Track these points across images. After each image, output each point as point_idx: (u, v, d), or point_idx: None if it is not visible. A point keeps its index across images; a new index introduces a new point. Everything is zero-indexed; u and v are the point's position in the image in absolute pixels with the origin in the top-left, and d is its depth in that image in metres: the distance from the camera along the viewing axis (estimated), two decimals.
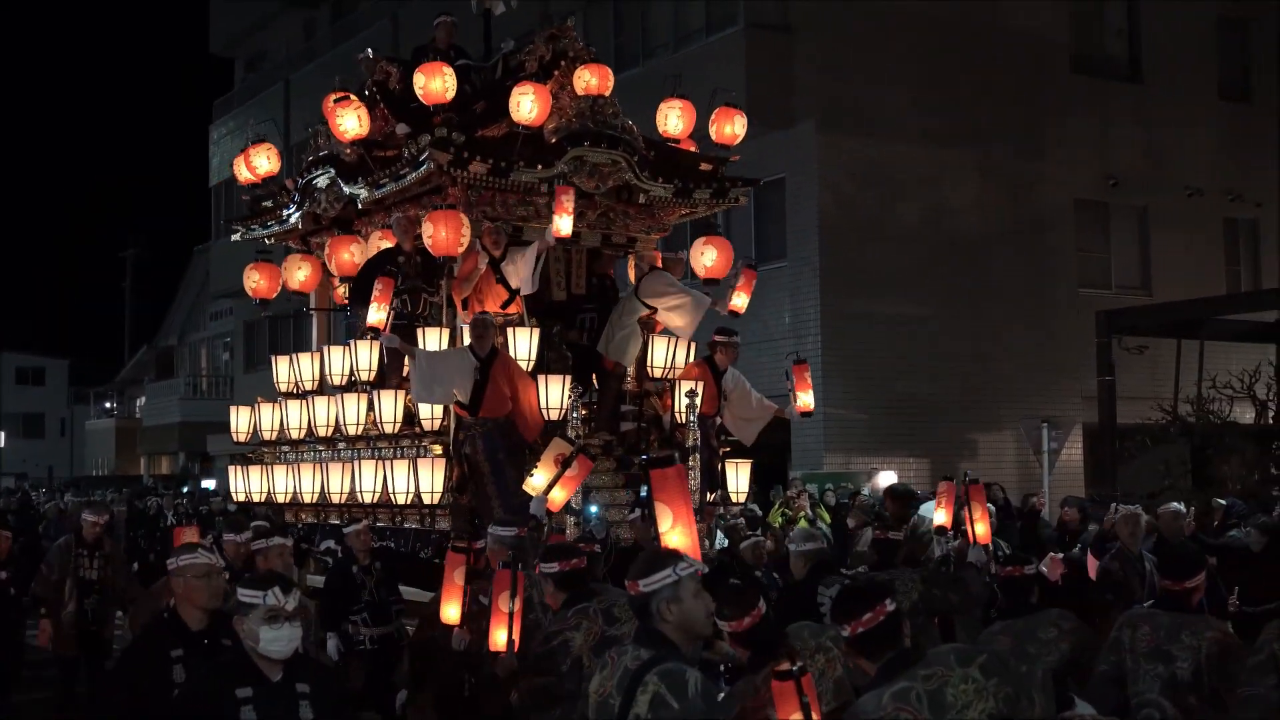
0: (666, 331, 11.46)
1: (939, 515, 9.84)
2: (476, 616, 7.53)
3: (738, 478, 11.52)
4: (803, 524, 13.59)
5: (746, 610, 5.08)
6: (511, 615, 6.90)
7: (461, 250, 10.43)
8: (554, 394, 10.26)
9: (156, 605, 7.63)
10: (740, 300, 11.64)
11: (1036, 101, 24.26)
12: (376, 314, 10.42)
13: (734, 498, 11.53)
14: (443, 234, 10.20)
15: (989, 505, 9.97)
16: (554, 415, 10.22)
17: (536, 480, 9.15)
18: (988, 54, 23.53)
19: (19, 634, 11.60)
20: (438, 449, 10.34)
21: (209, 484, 37.87)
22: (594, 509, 9.75)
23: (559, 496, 9.01)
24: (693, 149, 12.00)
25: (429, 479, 10.13)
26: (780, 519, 16.05)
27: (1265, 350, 21.08)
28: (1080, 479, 22.65)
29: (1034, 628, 6.67)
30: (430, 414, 10.36)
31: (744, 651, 5.11)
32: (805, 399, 11.29)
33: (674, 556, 4.57)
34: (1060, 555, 10.75)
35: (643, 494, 10.05)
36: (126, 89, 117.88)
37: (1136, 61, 26.08)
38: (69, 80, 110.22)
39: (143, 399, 51.15)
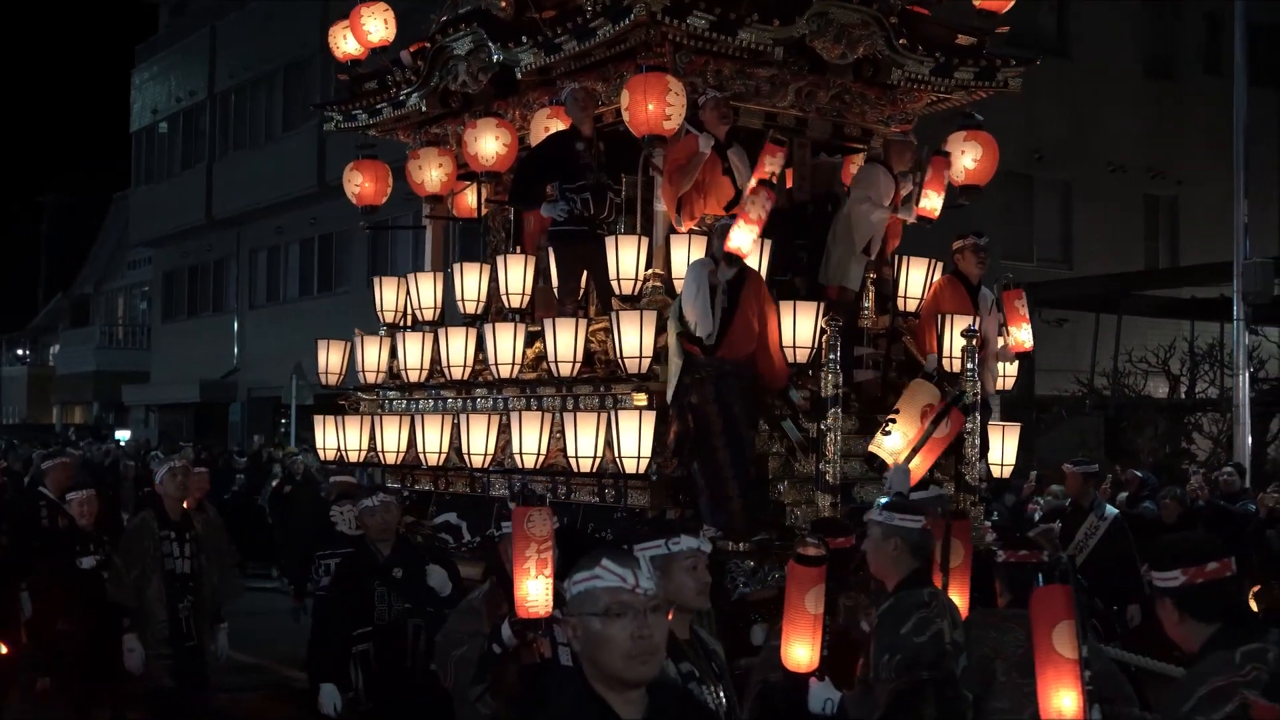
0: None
1: None
2: (842, 651, 4.96)
3: (1003, 446, 8.60)
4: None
5: None
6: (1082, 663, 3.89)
7: (670, 130, 7.87)
8: (804, 327, 7.74)
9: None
10: (934, 201, 8.78)
11: None
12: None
13: (997, 472, 8.61)
14: (649, 106, 7.69)
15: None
16: (802, 356, 7.77)
17: (892, 441, 7.21)
18: None
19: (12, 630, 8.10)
20: (641, 398, 7.65)
21: (123, 435, 37.34)
22: None
23: (920, 466, 7.08)
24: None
25: (633, 439, 7.36)
26: None
27: (1180, 326, 21.38)
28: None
29: None
30: (636, 351, 7.62)
31: None
32: (1020, 335, 8.68)
33: None
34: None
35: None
36: (46, 31, 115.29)
37: (1064, 36, 26.19)
38: None
39: (56, 347, 50.25)
